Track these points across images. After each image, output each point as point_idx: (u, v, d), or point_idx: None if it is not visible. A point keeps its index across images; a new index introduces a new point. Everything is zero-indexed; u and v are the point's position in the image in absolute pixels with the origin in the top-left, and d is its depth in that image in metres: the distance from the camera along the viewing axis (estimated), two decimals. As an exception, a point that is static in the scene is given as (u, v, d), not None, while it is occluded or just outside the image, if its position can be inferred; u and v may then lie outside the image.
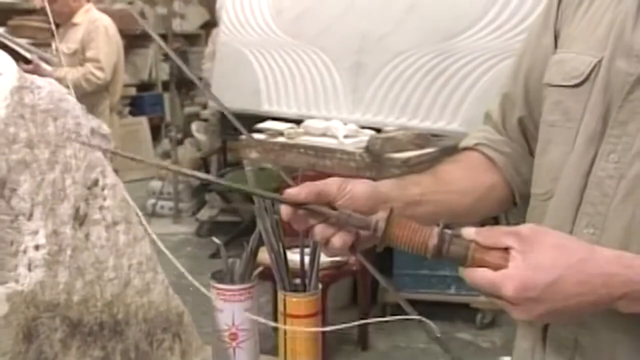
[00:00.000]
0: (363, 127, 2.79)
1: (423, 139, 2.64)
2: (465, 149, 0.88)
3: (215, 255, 3.80)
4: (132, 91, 5.31)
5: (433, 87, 2.74)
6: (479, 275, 0.63)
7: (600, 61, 0.71)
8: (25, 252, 0.62)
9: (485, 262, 0.63)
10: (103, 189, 0.75)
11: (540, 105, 0.81)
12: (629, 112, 0.68)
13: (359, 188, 0.72)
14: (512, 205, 0.87)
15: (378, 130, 2.75)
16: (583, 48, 0.74)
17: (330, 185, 0.71)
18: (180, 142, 4.57)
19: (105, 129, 0.93)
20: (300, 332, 0.91)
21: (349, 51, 2.99)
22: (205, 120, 4.61)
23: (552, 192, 0.77)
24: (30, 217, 0.64)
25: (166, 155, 4.82)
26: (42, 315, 0.62)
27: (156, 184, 4.46)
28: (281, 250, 0.92)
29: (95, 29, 3.25)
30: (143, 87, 5.54)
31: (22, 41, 3.24)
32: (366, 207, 0.70)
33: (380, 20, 2.91)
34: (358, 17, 2.97)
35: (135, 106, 5.39)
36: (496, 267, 0.62)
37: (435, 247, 0.64)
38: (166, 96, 5.44)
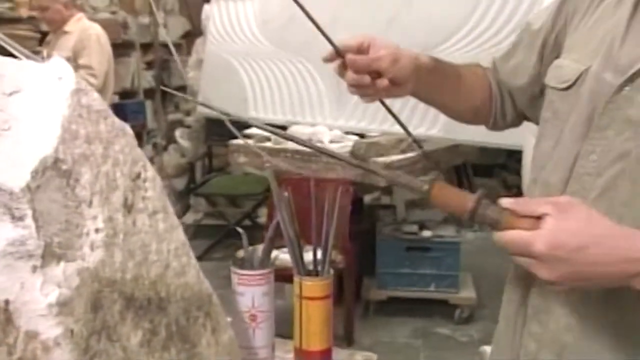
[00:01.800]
0: (347, 133, 2.88)
1: (405, 143, 2.74)
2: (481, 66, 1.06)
3: (200, 257, 3.85)
4: (115, 99, 5.32)
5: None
6: (513, 234, 0.68)
7: (587, 69, 0.79)
8: (87, 234, 0.69)
9: (517, 227, 0.68)
10: (145, 181, 0.82)
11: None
12: (608, 119, 0.75)
13: (405, 64, 0.92)
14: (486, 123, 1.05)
15: (362, 136, 2.85)
16: (577, 56, 0.82)
17: (383, 61, 0.90)
18: (164, 149, 4.61)
19: (129, 130, 1.00)
20: (314, 313, 0.99)
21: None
22: (189, 127, 4.66)
23: (537, 179, 0.87)
24: (90, 204, 0.71)
25: (149, 161, 4.85)
26: (104, 290, 0.69)
27: (141, 189, 4.49)
28: (297, 241, 1.00)
29: (87, 37, 3.29)
30: (125, 95, 5.55)
31: (24, 50, 3.26)
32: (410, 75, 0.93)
33: (363, 31, 3.00)
34: (341, 28, 3.05)
35: (117, 113, 5.25)
36: (526, 228, 0.67)
37: (471, 210, 0.71)
38: (148, 104, 5.46)
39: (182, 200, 4.49)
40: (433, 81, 0.97)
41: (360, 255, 2.89)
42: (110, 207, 0.73)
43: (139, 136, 5.51)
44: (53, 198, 0.66)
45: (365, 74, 0.91)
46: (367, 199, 3.45)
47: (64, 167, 0.67)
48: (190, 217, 4.27)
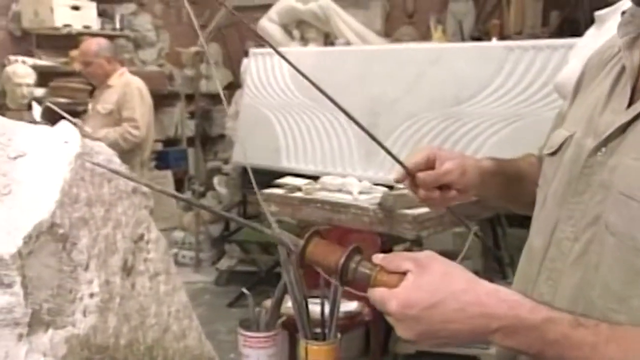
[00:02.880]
0: (376, 184, 2.85)
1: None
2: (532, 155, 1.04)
3: (232, 304, 3.82)
4: (159, 146, 5.44)
5: (444, 146, 2.81)
6: (375, 292, 0.66)
7: (571, 136, 0.79)
8: (81, 299, 0.67)
9: (385, 283, 0.66)
10: (147, 243, 0.81)
11: None
12: (584, 184, 0.73)
13: (471, 173, 0.93)
14: None
15: (390, 187, 2.81)
16: (567, 124, 0.82)
17: (451, 174, 0.92)
18: (202, 195, 4.65)
19: (142, 189, 1.00)
20: (320, 378, 0.94)
21: (363, 113, 3.07)
22: (227, 174, 4.69)
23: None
24: (86, 268, 0.69)
25: (187, 207, 4.90)
26: (94, 357, 0.66)
27: (178, 234, 4.53)
28: (303, 300, 0.96)
29: (130, 91, 3.38)
30: (169, 142, 5.67)
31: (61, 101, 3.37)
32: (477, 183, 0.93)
33: (392, 86, 3.01)
34: (372, 82, 3.07)
35: (161, 160, 5.50)
36: (393, 288, 0.65)
37: (342, 266, 0.67)
38: (190, 151, 5.56)
39: (217, 246, 4.50)
40: (497, 182, 0.97)
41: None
42: (107, 271, 0.72)
43: (180, 182, 5.62)
44: (46, 263, 0.64)
45: (435, 189, 0.93)
46: (398, 249, 3.38)
47: (61, 231, 0.66)
48: (224, 263, 4.25)
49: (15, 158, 0.70)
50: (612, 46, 0.81)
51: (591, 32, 1.86)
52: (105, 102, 3.41)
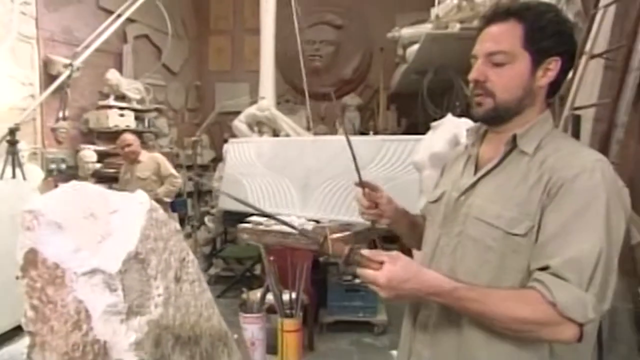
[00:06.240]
0: (310, 220, 2.90)
1: (343, 226, 2.76)
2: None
3: (219, 296, 3.67)
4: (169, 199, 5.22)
5: (348, 198, 2.90)
6: (365, 271, 0.72)
7: (445, 191, 0.88)
8: (153, 298, 0.68)
9: (369, 266, 0.72)
10: (188, 262, 0.82)
11: None
12: (454, 215, 0.83)
13: (392, 206, 0.94)
14: None
15: (317, 222, 2.86)
16: (440, 186, 0.92)
17: (382, 198, 0.94)
18: (198, 228, 4.51)
19: (179, 227, 0.99)
20: (290, 341, 0.96)
21: (301, 176, 3.15)
22: (213, 215, 4.59)
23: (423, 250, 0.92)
24: (155, 278, 0.70)
25: (188, 235, 4.71)
26: (162, 332, 0.67)
27: (182, 254, 4.34)
28: (279, 293, 0.99)
29: (161, 159, 3.37)
30: (175, 196, 5.45)
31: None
32: (392, 214, 0.94)
33: (319, 160, 3.11)
34: (306, 158, 3.17)
35: (170, 207, 5.28)
36: (375, 269, 0.71)
37: (346, 255, 0.73)
38: (189, 201, 5.39)
39: (207, 260, 4.34)
40: (405, 222, 1.00)
41: (318, 294, 2.82)
42: (167, 280, 0.73)
43: (182, 221, 5.40)
44: (134, 277, 0.66)
45: (372, 203, 0.95)
46: (322, 260, 3.41)
47: (141, 256, 0.68)
48: (213, 271, 4.11)
49: (112, 212, 0.71)
50: (459, 151, 0.93)
51: (428, 135, 2.04)
52: (141, 171, 3.34)
